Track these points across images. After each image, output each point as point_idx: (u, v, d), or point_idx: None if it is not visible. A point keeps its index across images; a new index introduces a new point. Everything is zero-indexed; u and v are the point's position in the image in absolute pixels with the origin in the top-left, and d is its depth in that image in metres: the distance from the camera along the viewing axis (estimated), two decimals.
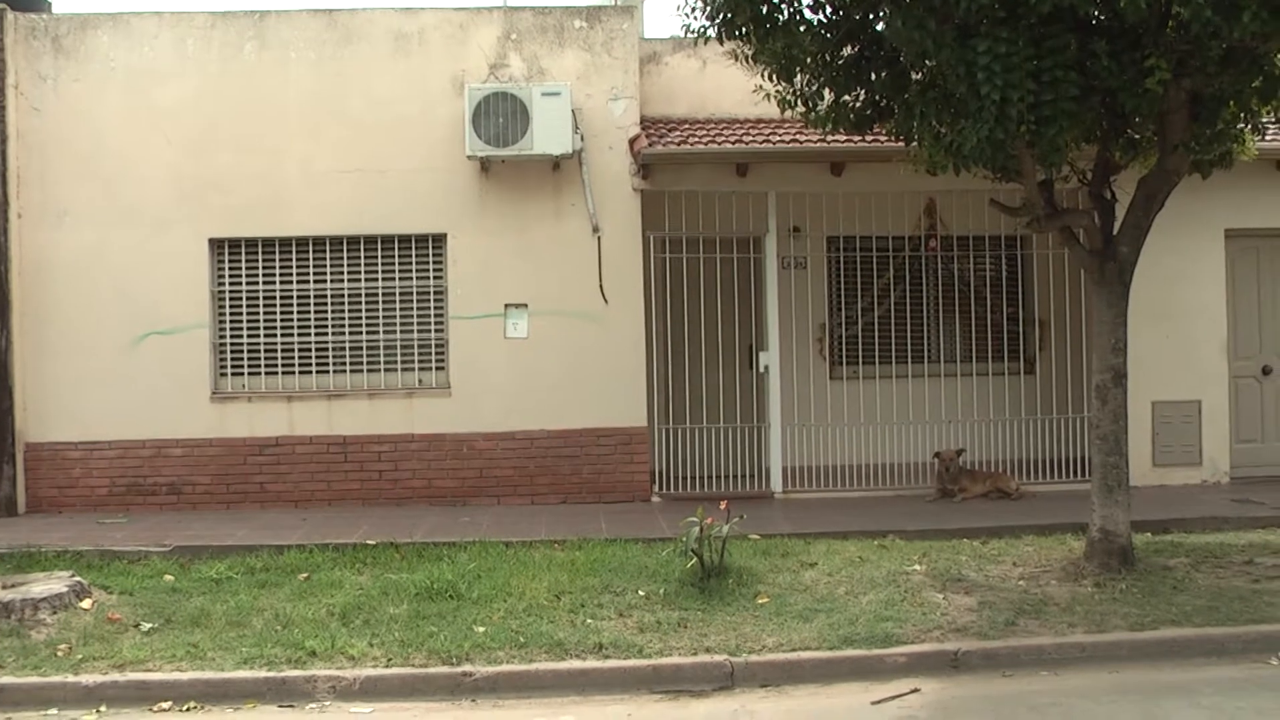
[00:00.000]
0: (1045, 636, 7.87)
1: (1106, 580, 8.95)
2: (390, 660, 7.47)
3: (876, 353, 13.80)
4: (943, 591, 8.77)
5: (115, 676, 7.22)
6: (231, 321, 12.49)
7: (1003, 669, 7.53)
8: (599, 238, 12.37)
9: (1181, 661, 7.65)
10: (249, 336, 12.49)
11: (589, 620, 8.11)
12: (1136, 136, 9.73)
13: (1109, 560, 9.21)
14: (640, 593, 8.68)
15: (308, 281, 12.53)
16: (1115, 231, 9.52)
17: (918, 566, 9.43)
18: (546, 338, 12.42)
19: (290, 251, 12.52)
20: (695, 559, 8.77)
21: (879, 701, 6.92)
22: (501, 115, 11.92)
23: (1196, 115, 9.12)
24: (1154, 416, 13.10)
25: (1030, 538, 10.44)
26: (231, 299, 12.49)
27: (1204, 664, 7.62)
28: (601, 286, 12.33)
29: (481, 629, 7.91)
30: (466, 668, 7.36)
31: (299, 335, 12.52)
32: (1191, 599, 8.52)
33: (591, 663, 7.45)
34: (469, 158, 12.13)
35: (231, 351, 12.50)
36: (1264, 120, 10.08)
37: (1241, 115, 9.63)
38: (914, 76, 9.24)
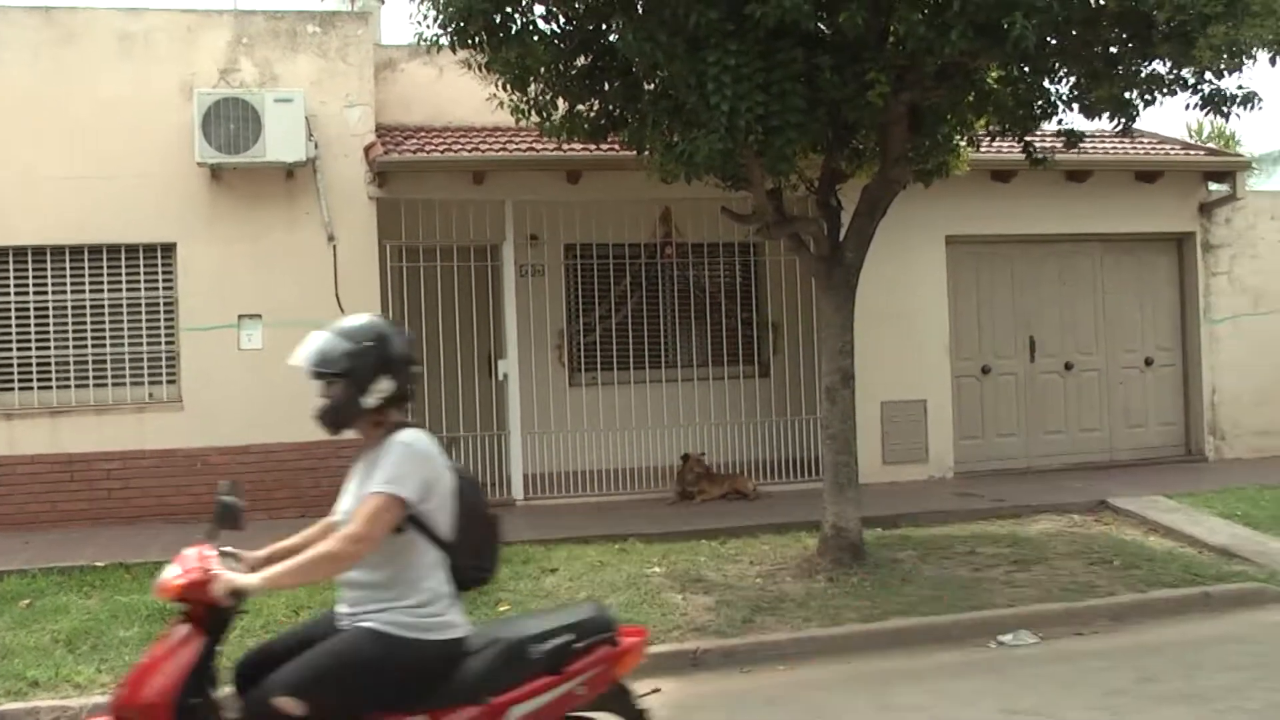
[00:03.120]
0: (782, 632, 8.76)
1: (839, 575, 10.06)
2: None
3: (615, 359, 15.05)
4: (682, 592, 9.65)
5: None
6: None
7: (741, 665, 8.33)
8: (335, 246, 13.17)
9: (910, 649, 8.64)
10: None
11: None
12: (861, 147, 11.07)
13: (841, 556, 10.31)
14: None
15: (27, 293, 12.87)
16: (842, 238, 10.74)
17: (658, 568, 10.32)
18: (283, 349, 12.56)
19: (7, 262, 12.87)
20: None
21: None
22: (233, 121, 12.57)
23: (916, 127, 10.49)
24: (883, 416, 14.96)
25: (767, 537, 11.55)
26: None
27: (931, 650, 8.63)
28: (338, 296, 12.95)
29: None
30: None
31: (18, 350, 12.87)
32: (919, 589, 9.73)
33: None
34: (199, 165, 12.71)
35: None
36: (979, 133, 11.73)
37: (958, 128, 11.21)
38: (647, 87, 10.25)
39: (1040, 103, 10.71)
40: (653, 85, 10.17)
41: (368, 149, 13.38)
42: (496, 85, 10.97)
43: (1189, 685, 7.70)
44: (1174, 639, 9.00)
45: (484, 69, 10.76)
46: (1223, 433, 16.59)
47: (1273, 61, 9.60)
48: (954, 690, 7.71)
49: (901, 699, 7.54)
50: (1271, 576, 10.43)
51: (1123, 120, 10.50)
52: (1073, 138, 11.37)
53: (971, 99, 10.63)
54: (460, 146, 13.62)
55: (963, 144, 11.75)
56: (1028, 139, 11.45)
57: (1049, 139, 11.82)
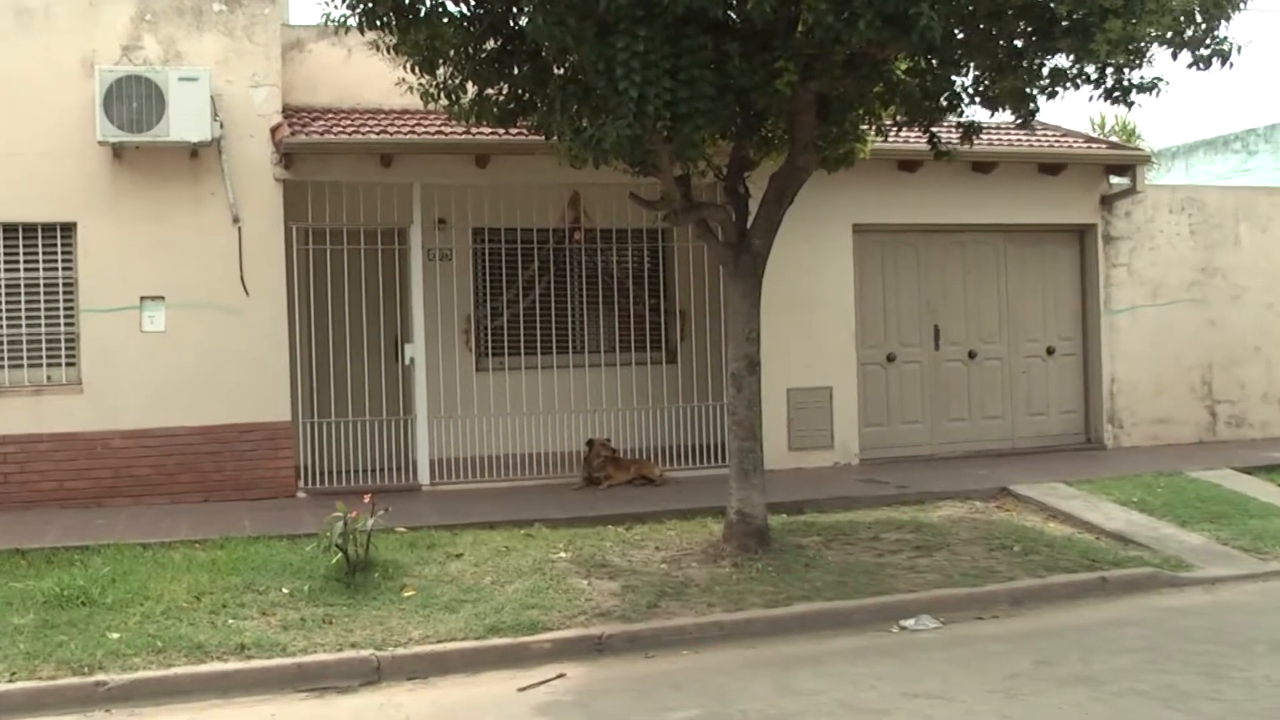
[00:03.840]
0: (686, 617, 8.89)
1: (744, 560, 10.18)
2: (14, 675, 7.59)
3: (522, 344, 15.07)
4: (588, 577, 9.74)
5: None
6: None
7: (646, 650, 8.44)
8: (240, 228, 13.01)
9: (813, 634, 8.82)
10: None
11: (231, 621, 8.54)
12: (769, 134, 11.19)
13: (746, 541, 10.44)
14: (284, 590, 9.18)
15: None
16: (749, 225, 10.85)
17: (563, 554, 10.41)
18: (186, 331, 12.90)
19: None
20: (340, 554, 9.30)
21: (525, 688, 7.64)
22: (136, 100, 12.37)
23: (824, 116, 10.60)
24: (789, 402, 15.10)
25: (673, 522, 11.70)
26: None
27: (833, 635, 8.83)
28: (243, 278, 12.96)
29: (116, 635, 8.17)
30: (99, 677, 7.59)
31: None
32: (822, 575, 9.91)
33: (234, 664, 7.85)
34: (100, 143, 12.51)
35: None
36: (886, 123, 11.91)
37: (866, 117, 11.35)
38: (556, 72, 10.29)
39: (946, 94, 10.86)
40: (562, 70, 10.21)
41: (274, 130, 13.25)
42: (405, 68, 10.93)
43: (1085, 668, 7.91)
44: (1071, 623, 9.23)
45: (392, 51, 10.70)
46: (1121, 421, 16.95)
47: (1174, 56, 9.84)
48: (856, 674, 7.84)
49: (804, 683, 7.66)
50: (1165, 561, 10.76)
51: (1024, 113, 10.68)
52: (970, 131, 11.55)
53: (879, 89, 10.78)
54: (368, 129, 13.51)
55: (870, 133, 11.88)
56: (934, 130, 11.59)
57: (954, 130, 11.97)
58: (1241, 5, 9.68)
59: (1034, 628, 9.10)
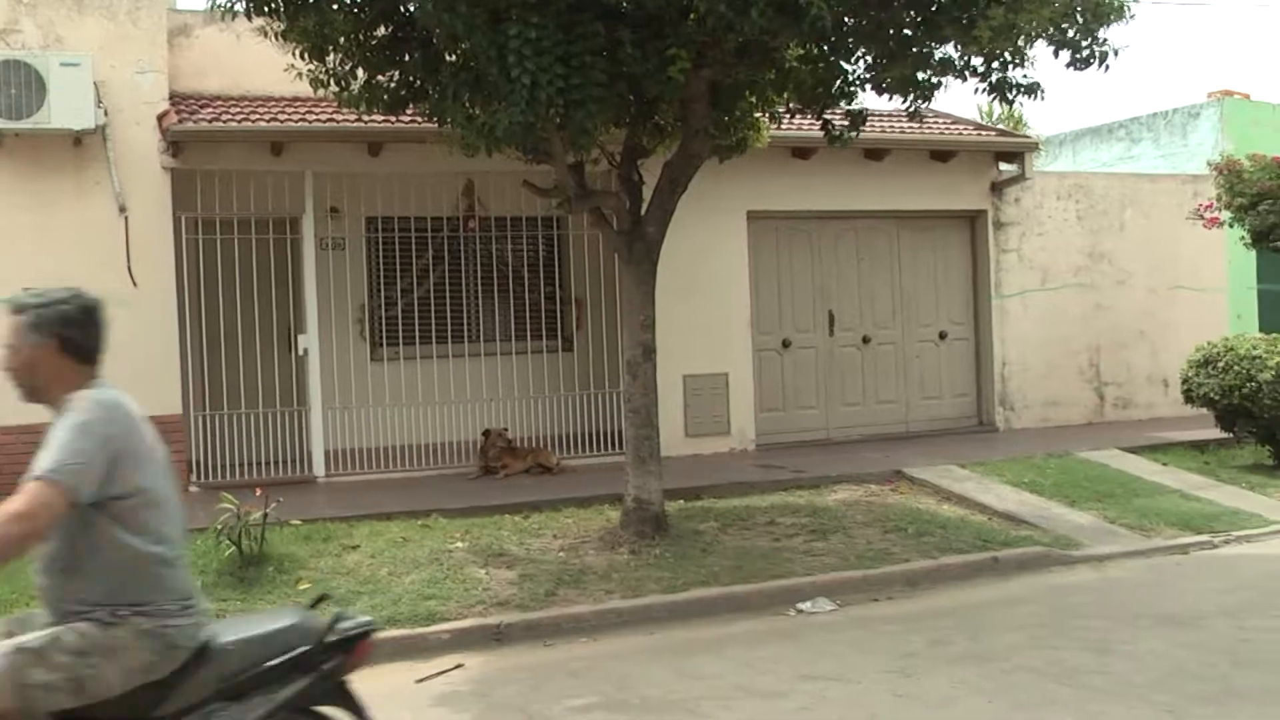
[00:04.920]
0: (584, 605, 8.93)
1: (642, 547, 10.23)
2: None
3: (418, 333, 14.94)
4: (485, 567, 9.71)
5: None
6: None
7: (544, 638, 8.47)
8: (126, 218, 12.78)
9: (711, 619, 8.91)
10: None
11: None
12: (662, 122, 11.22)
13: (644, 528, 10.48)
14: None
15: None
16: (643, 213, 10.89)
17: (460, 544, 10.35)
18: None
19: None
20: (232, 548, 9.24)
21: (424, 679, 7.64)
22: (14, 85, 12.06)
23: (716, 103, 10.68)
24: (686, 389, 15.22)
25: (570, 510, 11.67)
26: None
27: (732, 619, 8.90)
28: (130, 269, 12.71)
29: None
30: None
31: None
32: (720, 560, 9.99)
33: None
34: None
35: None
36: (779, 110, 12.02)
37: (759, 105, 11.45)
38: (448, 58, 10.20)
39: (838, 82, 10.99)
40: (454, 57, 10.13)
41: (161, 117, 13.02)
42: (294, 54, 10.81)
43: (977, 646, 8.08)
44: (964, 602, 9.43)
45: (281, 37, 10.61)
46: (1012, 404, 17.27)
47: (1055, 54, 10.08)
48: (753, 658, 7.93)
49: (702, 668, 7.73)
50: (1055, 540, 11.01)
51: (914, 101, 10.83)
52: (857, 118, 11.67)
53: (771, 77, 10.88)
54: (258, 116, 13.34)
55: (763, 120, 11.95)
56: (826, 117, 11.71)
57: (847, 118, 12.09)
58: (1124, 16, 9.93)
59: (928, 608, 9.25)
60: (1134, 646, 7.93)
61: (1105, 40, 10.06)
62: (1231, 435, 14.64)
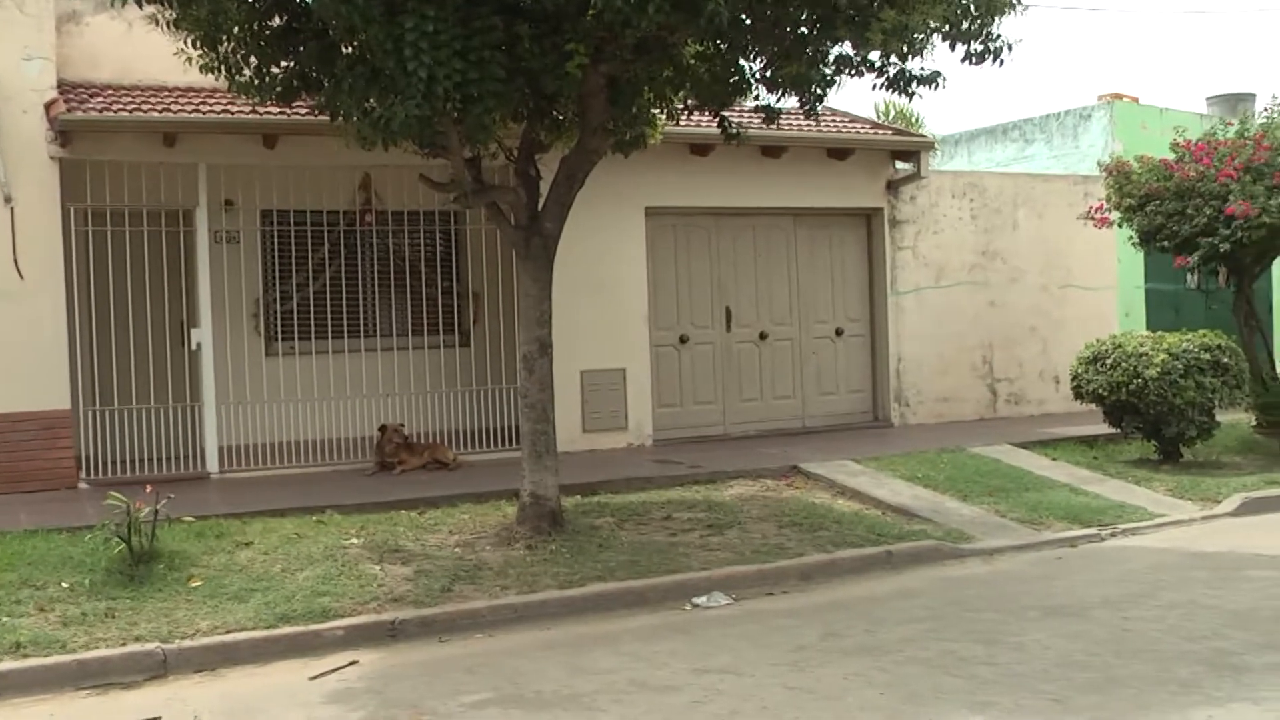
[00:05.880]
0: (480, 600, 8.90)
1: (538, 543, 10.24)
2: None
3: (313, 328, 14.86)
4: (380, 563, 9.67)
5: None
6: None
7: (440, 634, 8.44)
8: (12, 209, 12.53)
9: (607, 614, 8.92)
10: None
11: (5, 618, 8.19)
12: (560, 117, 11.18)
13: (540, 523, 10.49)
14: (64, 585, 8.85)
15: None
16: (540, 208, 10.86)
17: (356, 540, 10.31)
18: None
19: None
20: (122, 545, 9.06)
21: (317, 676, 7.60)
22: None
23: (614, 99, 10.63)
24: (583, 384, 15.23)
25: (466, 506, 11.66)
26: None
27: (628, 614, 8.94)
28: (16, 261, 12.50)
29: None
30: None
31: None
32: (616, 555, 10.02)
33: (8, 664, 7.54)
34: None
35: None
36: (677, 107, 12.01)
37: (657, 101, 11.46)
38: (344, 50, 10.10)
39: (735, 79, 11.06)
40: (349, 49, 10.05)
41: (49, 106, 12.78)
42: (186, 42, 10.66)
43: (870, 638, 8.18)
44: (858, 596, 9.53)
45: (173, 26, 10.44)
46: (907, 399, 17.49)
47: (951, 47, 10.22)
48: (648, 652, 7.97)
49: (598, 663, 7.75)
50: (947, 534, 11.18)
51: (809, 99, 10.90)
52: (770, 114, 11.76)
53: (669, 73, 10.92)
54: (150, 106, 13.12)
55: (661, 116, 11.98)
56: (724, 114, 11.78)
57: (747, 115, 12.17)
58: (1015, 7, 10.09)
59: (822, 601, 9.34)
60: (1022, 637, 8.08)
61: (999, 36, 10.21)
62: (1119, 430, 14.92)
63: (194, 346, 13.71)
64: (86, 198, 13.08)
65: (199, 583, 9.06)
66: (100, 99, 13.23)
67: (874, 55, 10.43)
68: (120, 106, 13.01)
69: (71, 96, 13.10)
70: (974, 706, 6.72)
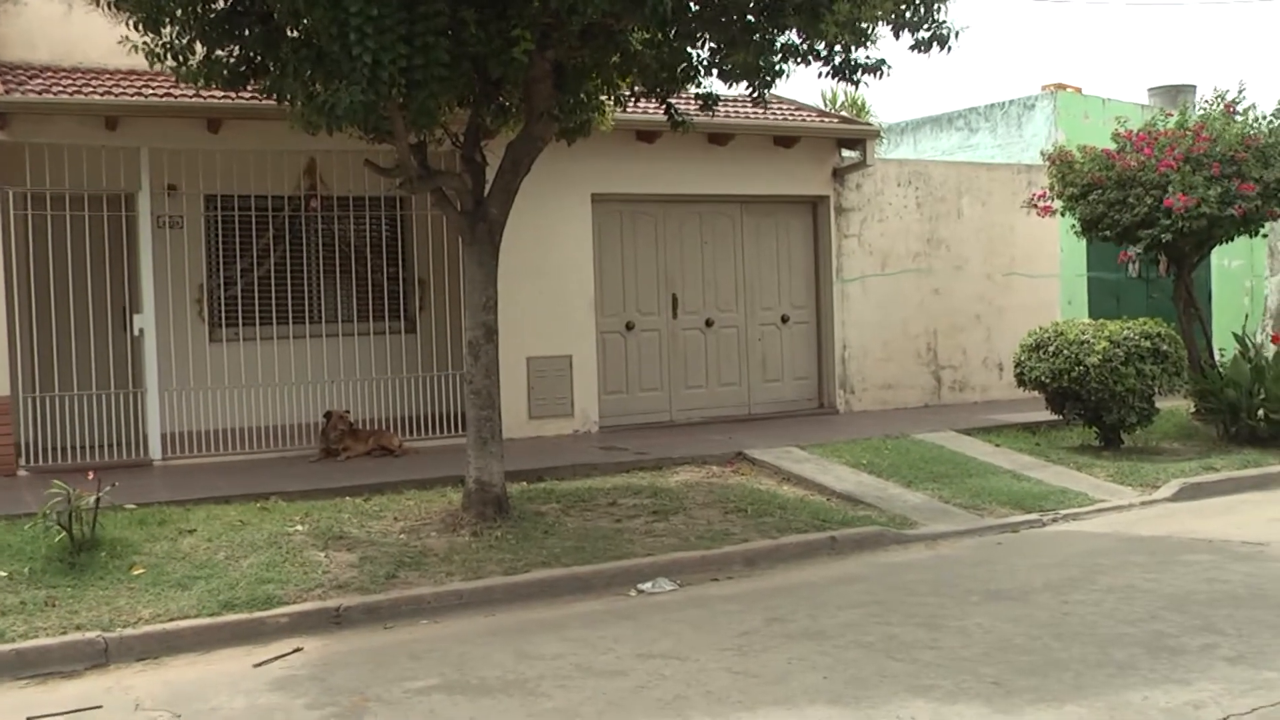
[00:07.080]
0: (425, 587, 8.90)
1: (483, 529, 10.25)
2: None
3: (258, 314, 14.78)
4: (325, 550, 9.65)
5: None
6: None
7: (384, 621, 8.46)
8: None
9: (553, 600, 8.96)
10: None
11: None
12: (506, 103, 11.16)
13: (485, 510, 10.49)
14: (2, 573, 8.81)
15: None
16: (486, 194, 10.83)
17: (300, 527, 10.28)
18: None
19: None
20: (63, 533, 9.01)
21: (261, 664, 7.58)
22: None
23: (561, 85, 10.65)
24: (529, 371, 15.26)
25: (412, 492, 11.68)
26: None
27: (573, 600, 8.98)
28: None
29: None
30: None
31: None
32: (561, 541, 10.07)
33: None
34: None
35: None
36: (624, 93, 12.03)
37: (604, 87, 11.45)
38: (289, 34, 10.02)
39: (682, 66, 11.05)
40: (295, 33, 9.96)
41: None
42: (128, 25, 10.44)
43: (814, 623, 8.24)
44: (802, 581, 9.60)
45: (114, 8, 10.29)
46: (852, 386, 17.61)
47: (896, 36, 10.27)
48: (593, 638, 8.00)
49: (541, 648, 7.77)
50: (891, 520, 11.28)
51: (757, 87, 10.93)
52: (709, 101, 11.80)
53: (616, 60, 10.90)
54: (91, 89, 13.03)
55: (608, 103, 12.00)
56: (671, 101, 11.78)
57: (692, 102, 12.18)
58: None
59: (767, 587, 9.41)
60: (964, 622, 8.17)
61: (944, 22, 10.28)
62: (1061, 417, 15.07)
63: (136, 332, 13.62)
64: (26, 181, 12.96)
65: (141, 571, 9.00)
66: (39, 80, 13.10)
67: (820, 44, 10.47)
68: (60, 89, 12.90)
69: (10, 78, 12.97)
70: (916, 690, 6.80)
